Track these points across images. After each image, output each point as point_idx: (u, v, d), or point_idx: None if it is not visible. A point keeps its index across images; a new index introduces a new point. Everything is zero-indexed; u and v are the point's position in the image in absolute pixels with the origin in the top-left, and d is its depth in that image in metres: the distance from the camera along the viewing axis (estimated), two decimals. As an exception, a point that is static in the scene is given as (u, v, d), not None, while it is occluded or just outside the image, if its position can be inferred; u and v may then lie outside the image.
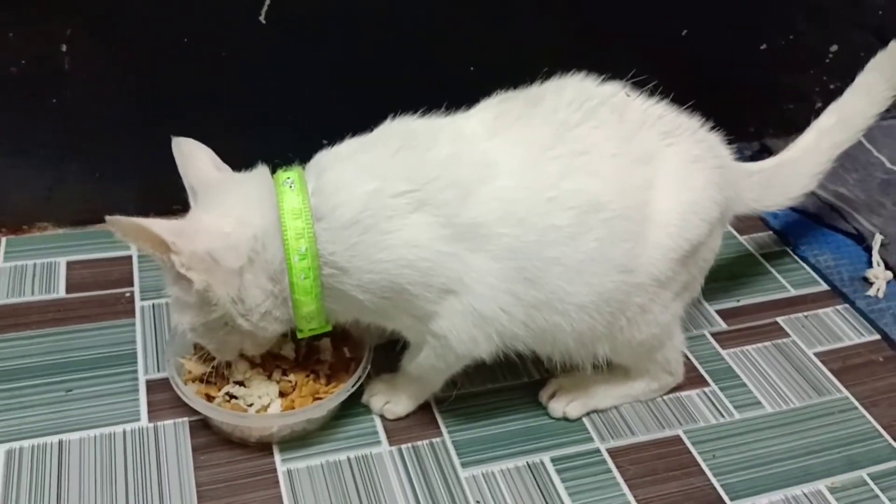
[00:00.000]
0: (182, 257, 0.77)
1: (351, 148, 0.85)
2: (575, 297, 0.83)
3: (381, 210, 0.79)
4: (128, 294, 1.10)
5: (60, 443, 0.89)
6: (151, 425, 0.92)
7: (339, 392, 0.90)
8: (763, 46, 1.38)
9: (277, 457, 0.89)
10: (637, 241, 0.85)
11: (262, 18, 1.11)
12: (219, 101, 1.16)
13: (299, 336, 0.88)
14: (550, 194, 0.82)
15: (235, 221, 0.80)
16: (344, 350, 0.97)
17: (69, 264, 1.14)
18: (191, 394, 0.89)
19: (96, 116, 1.13)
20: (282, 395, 0.92)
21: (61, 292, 1.10)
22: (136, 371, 0.99)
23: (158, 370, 0.99)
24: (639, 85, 0.92)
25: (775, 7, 1.35)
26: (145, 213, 0.80)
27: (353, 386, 0.91)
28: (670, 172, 0.88)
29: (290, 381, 0.92)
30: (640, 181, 0.86)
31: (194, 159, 0.87)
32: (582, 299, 0.84)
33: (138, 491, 0.85)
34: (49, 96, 1.10)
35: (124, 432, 0.91)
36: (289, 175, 0.82)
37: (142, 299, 1.09)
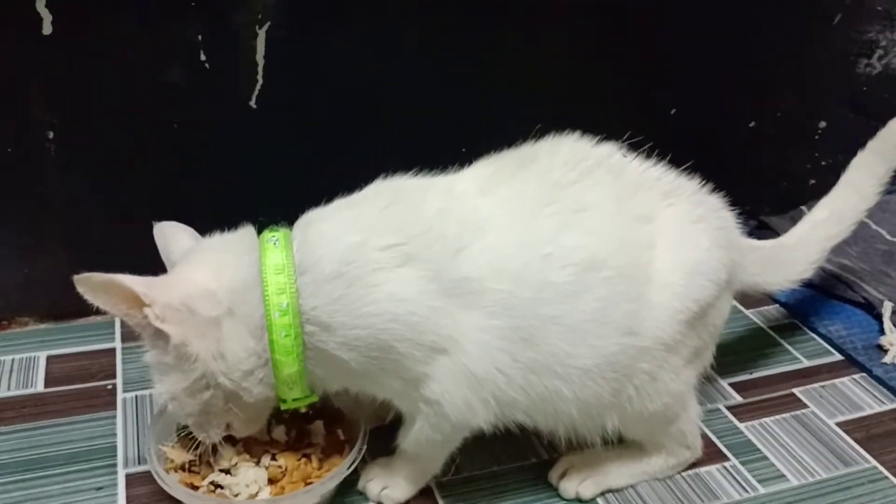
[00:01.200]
0: (156, 308, 0.74)
1: (339, 204, 0.84)
2: (577, 360, 0.79)
3: (365, 263, 0.76)
4: (109, 386, 1.04)
5: (30, 543, 0.82)
6: (130, 521, 0.85)
7: (332, 475, 0.83)
8: (752, 124, 1.39)
9: (267, 551, 0.82)
10: (641, 302, 0.81)
11: (252, 103, 1.11)
12: (207, 185, 1.13)
13: (283, 407, 0.82)
14: (546, 250, 0.79)
15: (212, 273, 0.78)
16: (338, 432, 0.91)
17: (49, 358, 1.09)
18: (173, 483, 0.82)
19: (80, 206, 1.11)
20: (271, 482, 0.85)
21: (39, 387, 1.04)
22: (115, 465, 0.92)
23: (139, 463, 0.92)
24: (634, 147, 0.90)
25: (761, 85, 1.36)
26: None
27: (347, 469, 0.84)
28: (673, 232, 0.85)
29: (279, 467, 0.86)
30: (642, 240, 0.83)
31: (176, 239, 0.86)
32: (585, 362, 0.79)
33: (112, 593, 0.77)
34: (33, 185, 1.08)
35: (100, 529, 0.84)
36: (274, 234, 0.80)
37: (124, 391, 1.03)
